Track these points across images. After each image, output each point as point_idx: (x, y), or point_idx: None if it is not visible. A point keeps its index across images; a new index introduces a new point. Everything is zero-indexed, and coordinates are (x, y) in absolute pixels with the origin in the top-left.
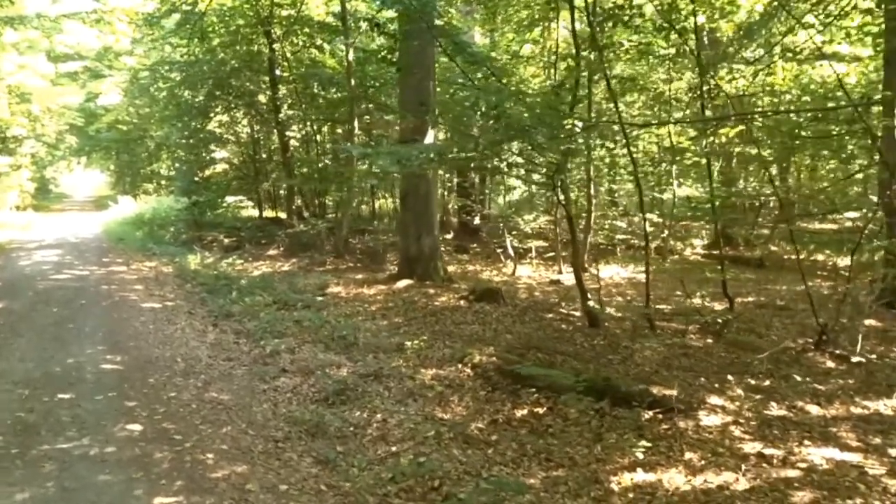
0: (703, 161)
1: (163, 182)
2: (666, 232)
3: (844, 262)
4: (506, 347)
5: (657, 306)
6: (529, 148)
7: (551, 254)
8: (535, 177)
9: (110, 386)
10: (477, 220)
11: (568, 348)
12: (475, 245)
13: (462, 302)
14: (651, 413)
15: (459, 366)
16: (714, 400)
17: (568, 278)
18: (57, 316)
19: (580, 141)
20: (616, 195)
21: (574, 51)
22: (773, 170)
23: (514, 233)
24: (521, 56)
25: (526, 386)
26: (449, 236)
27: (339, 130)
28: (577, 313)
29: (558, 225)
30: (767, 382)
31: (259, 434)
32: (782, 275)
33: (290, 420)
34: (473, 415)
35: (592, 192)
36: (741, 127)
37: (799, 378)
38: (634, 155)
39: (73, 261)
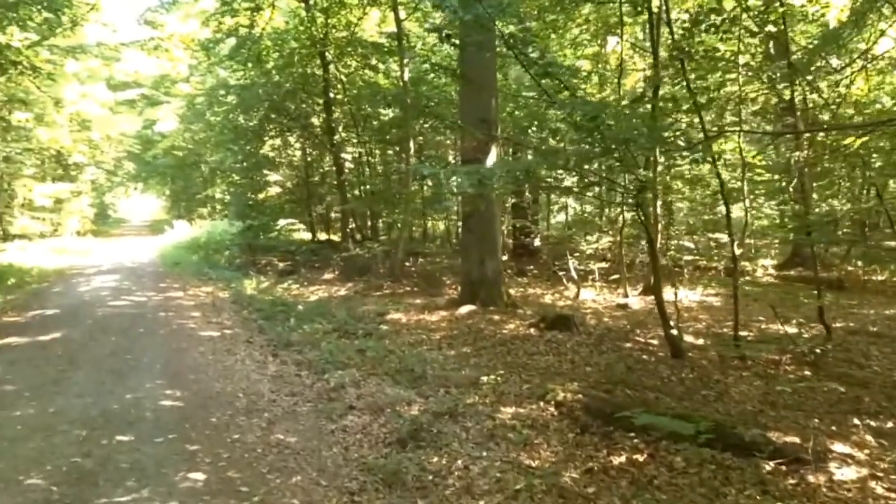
0: (776, 177)
1: (217, 206)
2: (739, 251)
3: None
4: (590, 383)
5: (739, 333)
6: (616, 164)
7: (614, 276)
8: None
9: (170, 426)
10: (537, 242)
11: (654, 382)
12: (532, 267)
13: (532, 330)
14: (772, 464)
15: (541, 403)
16: (840, 447)
17: (635, 302)
18: (115, 346)
19: (685, 155)
20: (680, 214)
21: (652, 61)
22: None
23: (575, 254)
24: (581, 72)
25: (620, 428)
26: (504, 258)
27: (390, 152)
28: (655, 342)
29: (623, 246)
30: (890, 424)
31: (332, 484)
32: (866, 297)
33: (363, 467)
34: (564, 462)
35: (660, 210)
36: (865, 138)
37: None
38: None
39: (131, 286)
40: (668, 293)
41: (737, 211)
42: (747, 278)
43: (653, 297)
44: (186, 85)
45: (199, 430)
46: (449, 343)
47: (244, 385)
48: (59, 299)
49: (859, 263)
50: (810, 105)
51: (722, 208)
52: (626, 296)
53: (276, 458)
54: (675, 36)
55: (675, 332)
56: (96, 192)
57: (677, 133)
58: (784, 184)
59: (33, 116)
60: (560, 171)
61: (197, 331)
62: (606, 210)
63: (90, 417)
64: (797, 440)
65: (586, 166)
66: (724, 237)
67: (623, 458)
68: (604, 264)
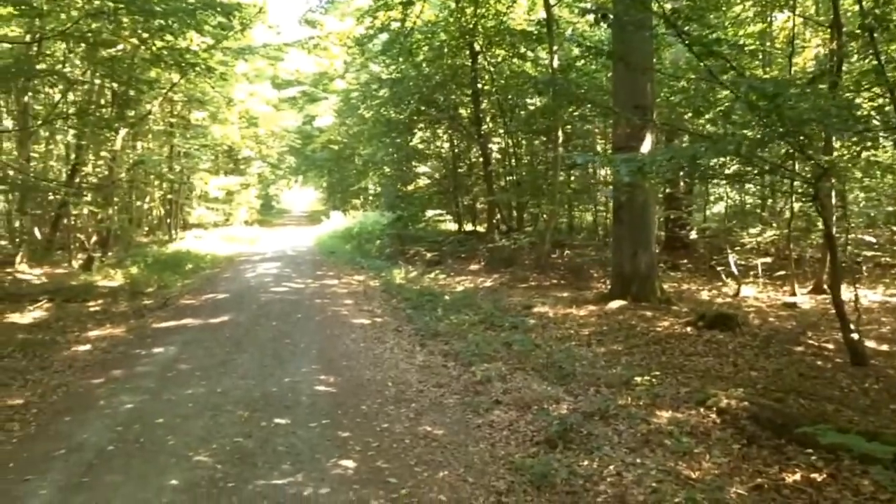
0: None
1: (369, 197)
2: None
3: None
4: (758, 390)
5: None
6: (796, 149)
7: (780, 272)
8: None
9: (324, 411)
10: (693, 235)
11: (832, 392)
12: (686, 261)
13: (689, 328)
14: None
15: (702, 410)
16: None
17: (804, 301)
18: (276, 330)
19: (876, 137)
20: (858, 205)
21: (832, 34)
22: None
23: (735, 248)
24: (745, 50)
25: (793, 441)
26: (656, 251)
27: (537, 142)
28: (831, 346)
29: (791, 240)
30: None
31: (479, 482)
32: None
33: (511, 466)
34: (728, 475)
35: (835, 201)
36: None
37: None
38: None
39: (291, 273)
40: (845, 292)
41: None
42: None
43: (825, 296)
44: (342, 81)
45: (350, 417)
46: (598, 339)
47: (393, 374)
48: (229, 284)
49: None
50: None
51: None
52: (793, 294)
53: (424, 451)
54: (864, 3)
55: (855, 335)
56: (262, 184)
57: (872, 113)
58: None
59: (208, 115)
60: (729, 159)
61: (349, 318)
62: (769, 201)
63: (252, 399)
64: None
65: (759, 152)
66: None
67: (798, 476)
68: (767, 259)
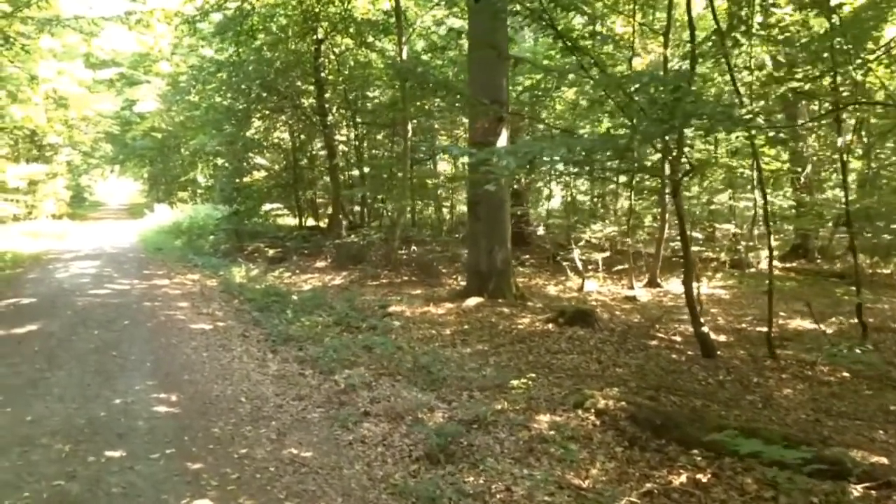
0: (787, 167)
1: (199, 190)
2: (746, 243)
3: None
4: (630, 388)
5: (758, 329)
6: (673, 146)
7: (618, 267)
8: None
9: (167, 438)
10: (540, 230)
11: (694, 387)
12: (528, 256)
13: (550, 326)
14: (861, 489)
15: (580, 412)
16: None
17: (642, 294)
18: (98, 340)
19: (761, 133)
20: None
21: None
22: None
23: (580, 244)
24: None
25: (673, 441)
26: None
27: (380, 136)
28: (678, 339)
29: (632, 236)
30: None
31: None
32: (876, 291)
33: (393, 490)
34: (617, 482)
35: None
36: None
37: None
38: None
39: (113, 273)
40: (676, 285)
41: (739, 202)
42: (752, 270)
43: (659, 289)
44: (167, 64)
45: (200, 444)
46: (462, 339)
47: (245, 387)
48: (36, 287)
49: (861, 256)
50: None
51: (721, 197)
52: (631, 288)
53: (293, 479)
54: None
55: (705, 329)
56: (72, 173)
57: (756, 111)
58: (796, 174)
59: (6, 94)
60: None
61: (187, 323)
62: (607, 198)
63: (75, 428)
64: (885, 460)
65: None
66: (732, 228)
67: (684, 479)
68: (605, 254)
